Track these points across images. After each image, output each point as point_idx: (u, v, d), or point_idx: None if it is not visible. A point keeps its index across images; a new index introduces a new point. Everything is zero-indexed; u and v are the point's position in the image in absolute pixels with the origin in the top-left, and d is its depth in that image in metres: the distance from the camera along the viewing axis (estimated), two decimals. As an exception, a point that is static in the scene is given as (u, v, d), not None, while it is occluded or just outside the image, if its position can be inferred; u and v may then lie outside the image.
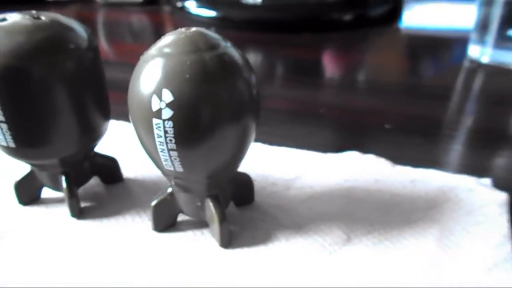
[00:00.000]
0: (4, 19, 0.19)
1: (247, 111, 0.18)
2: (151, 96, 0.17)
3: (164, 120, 0.17)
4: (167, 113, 0.17)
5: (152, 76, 0.17)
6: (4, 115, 0.19)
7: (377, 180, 0.25)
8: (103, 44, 0.53)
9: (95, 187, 0.25)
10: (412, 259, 0.20)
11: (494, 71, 0.43)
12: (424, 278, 0.19)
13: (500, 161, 0.28)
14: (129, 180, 0.26)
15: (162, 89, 0.17)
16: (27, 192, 0.24)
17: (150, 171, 0.26)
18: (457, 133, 0.32)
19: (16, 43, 0.18)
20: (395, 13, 0.59)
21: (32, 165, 0.22)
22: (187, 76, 0.17)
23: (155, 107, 0.17)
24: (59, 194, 0.24)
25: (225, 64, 0.18)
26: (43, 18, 0.20)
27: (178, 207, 0.22)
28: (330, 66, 0.48)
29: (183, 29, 0.18)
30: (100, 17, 0.64)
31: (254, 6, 0.57)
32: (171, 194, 0.21)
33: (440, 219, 0.22)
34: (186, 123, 0.17)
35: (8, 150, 0.20)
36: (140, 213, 0.23)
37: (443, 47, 0.52)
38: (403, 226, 0.21)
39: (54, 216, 0.23)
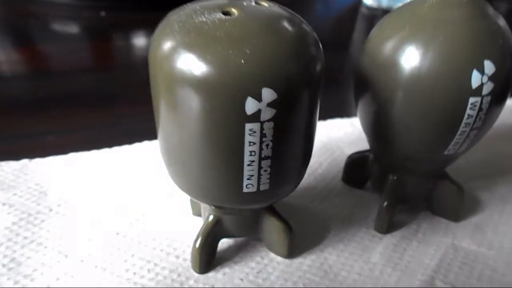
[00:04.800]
0: (228, 13, 0.13)
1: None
2: (470, 71, 0.15)
3: (483, 96, 0.15)
4: (488, 87, 0.15)
5: (464, 46, 0.15)
6: (273, 148, 0.13)
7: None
8: None
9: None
10: None
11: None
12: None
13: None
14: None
15: (483, 60, 0.15)
16: (209, 254, 0.17)
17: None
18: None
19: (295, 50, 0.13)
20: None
21: (240, 209, 0.16)
22: (500, 41, 0.15)
23: (475, 83, 0.15)
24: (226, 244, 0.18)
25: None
26: (264, 4, 0.14)
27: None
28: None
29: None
30: None
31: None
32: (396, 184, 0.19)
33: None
34: (500, 97, 0.16)
35: (249, 196, 0.15)
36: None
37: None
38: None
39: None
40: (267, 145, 0.13)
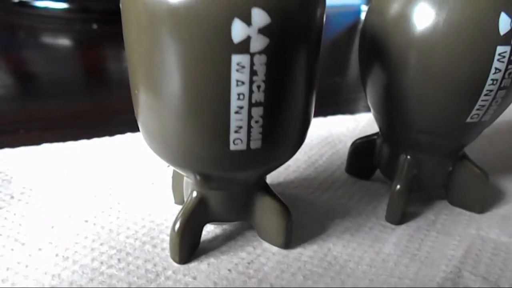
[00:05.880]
0: None
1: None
2: (497, 14, 0.13)
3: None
4: (518, 34, 0.13)
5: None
6: (266, 91, 0.11)
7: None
8: None
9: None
10: None
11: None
12: None
13: None
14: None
15: (512, 2, 0.13)
16: (191, 240, 0.14)
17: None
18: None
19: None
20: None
21: (229, 183, 0.14)
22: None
23: (504, 29, 0.13)
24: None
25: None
26: None
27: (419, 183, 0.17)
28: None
29: None
30: None
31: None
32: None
33: None
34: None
35: (237, 156, 0.12)
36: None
37: (337, 16, 0.55)
38: None
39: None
40: (258, 87, 0.11)
